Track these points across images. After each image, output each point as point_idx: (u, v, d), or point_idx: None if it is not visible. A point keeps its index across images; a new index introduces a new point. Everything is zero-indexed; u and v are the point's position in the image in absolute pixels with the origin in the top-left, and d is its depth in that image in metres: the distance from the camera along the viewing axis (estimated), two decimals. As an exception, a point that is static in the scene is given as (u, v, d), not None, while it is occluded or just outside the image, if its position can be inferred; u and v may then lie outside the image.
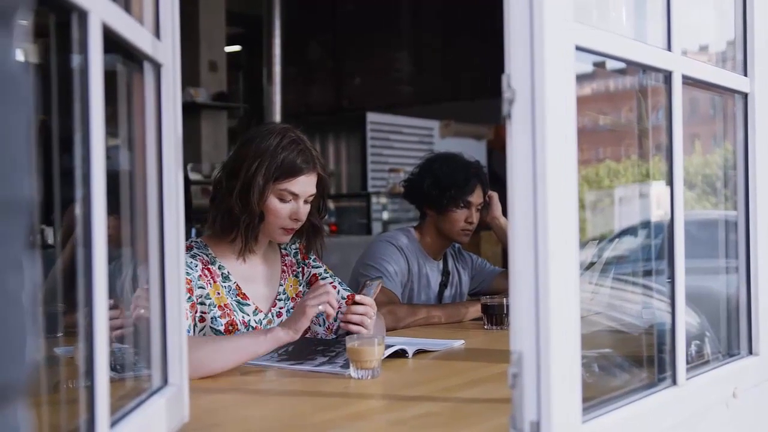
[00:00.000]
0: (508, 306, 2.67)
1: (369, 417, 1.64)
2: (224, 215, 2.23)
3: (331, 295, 2.03)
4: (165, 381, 1.38)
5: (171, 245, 1.39)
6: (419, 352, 2.21)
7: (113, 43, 1.13)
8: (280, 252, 2.43)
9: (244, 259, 2.30)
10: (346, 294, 2.42)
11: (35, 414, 0.90)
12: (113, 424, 1.10)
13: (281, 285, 2.38)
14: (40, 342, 0.69)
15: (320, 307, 2.00)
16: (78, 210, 1.02)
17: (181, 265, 1.42)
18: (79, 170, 1.02)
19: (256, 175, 2.18)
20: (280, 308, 2.36)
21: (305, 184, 2.23)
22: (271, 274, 2.37)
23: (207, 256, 2.25)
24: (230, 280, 2.26)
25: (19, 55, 0.62)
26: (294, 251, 2.46)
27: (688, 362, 1.57)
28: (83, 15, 1.00)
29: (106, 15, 1.06)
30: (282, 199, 2.22)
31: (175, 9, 1.40)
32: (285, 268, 2.41)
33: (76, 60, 1.03)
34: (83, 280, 1.02)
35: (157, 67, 1.36)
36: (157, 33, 1.36)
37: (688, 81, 1.60)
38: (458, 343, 2.38)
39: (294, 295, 2.39)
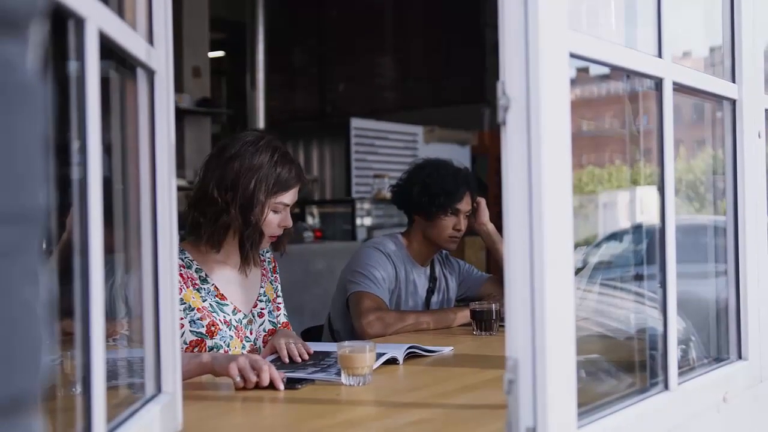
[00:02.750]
0: (497, 312, 2.68)
1: (362, 424, 1.63)
2: (222, 230, 2.28)
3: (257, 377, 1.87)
4: (159, 389, 1.38)
5: (164, 254, 1.38)
6: (411, 357, 2.22)
7: (107, 49, 1.12)
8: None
9: (246, 274, 2.37)
10: (283, 320, 2.49)
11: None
12: (109, 433, 1.10)
13: (262, 287, 2.45)
14: (53, 351, 0.69)
15: (237, 379, 1.85)
16: (74, 217, 1.01)
17: (175, 273, 1.42)
18: (76, 176, 1.01)
19: (257, 192, 2.25)
20: (261, 309, 2.43)
21: (295, 194, 2.35)
22: (251, 277, 2.42)
23: (182, 260, 2.29)
24: (209, 283, 2.31)
25: (33, 65, 0.62)
26: (268, 260, 2.53)
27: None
28: (80, 22, 1.00)
29: (103, 22, 1.05)
30: (275, 211, 2.31)
31: (168, 16, 1.40)
32: (264, 272, 2.49)
33: (72, 66, 1.02)
34: (80, 288, 1.01)
35: (150, 73, 1.35)
36: (150, 40, 1.36)
37: (678, 87, 1.61)
38: (448, 350, 2.39)
39: (272, 299, 2.48)
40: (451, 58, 9.46)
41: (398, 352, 2.18)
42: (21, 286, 0.58)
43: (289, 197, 2.32)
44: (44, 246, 1.30)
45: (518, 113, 1.18)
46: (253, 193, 2.25)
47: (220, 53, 10.28)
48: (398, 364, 2.15)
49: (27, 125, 0.60)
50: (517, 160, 1.19)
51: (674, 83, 1.57)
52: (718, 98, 1.86)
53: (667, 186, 1.55)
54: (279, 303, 2.53)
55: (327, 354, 2.22)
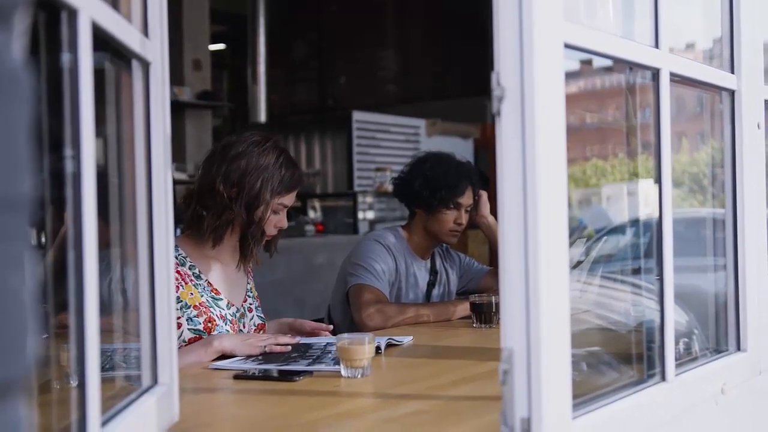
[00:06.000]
0: (496, 304, 2.69)
1: (360, 415, 1.63)
2: (224, 225, 2.31)
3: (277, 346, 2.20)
4: (155, 380, 1.38)
5: (160, 245, 1.39)
6: (410, 350, 2.23)
7: (101, 41, 1.12)
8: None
9: (242, 269, 2.42)
10: (258, 322, 2.50)
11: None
12: (104, 423, 1.10)
13: (249, 283, 2.51)
14: (40, 339, 0.70)
15: (266, 348, 2.16)
16: (68, 210, 1.01)
17: (171, 265, 1.42)
18: (69, 170, 1.01)
19: (263, 192, 2.29)
20: (250, 304, 2.48)
21: (294, 197, 2.40)
22: (239, 273, 2.46)
23: (176, 257, 2.30)
24: (202, 279, 2.34)
25: (19, 54, 0.62)
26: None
27: (676, 359, 1.58)
28: (73, 13, 1.00)
29: (96, 13, 1.05)
30: (275, 212, 2.35)
31: (163, 7, 1.39)
32: (249, 270, 2.53)
33: (65, 58, 1.02)
34: (74, 280, 1.01)
35: (145, 65, 1.35)
36: (145, 31, 1.36)
37: (676, 78, 1.60)
38: (408, 339, 2.42)
39: (255, 296, 2.53)
40: (453, 51, 9.46)
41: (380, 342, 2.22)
42: (6, 273, 0.59)
43: (290, 199, 2.38)
44: (43, 240, 1.30)
45: (512, 104, 1.18)
46: (259, 191, 2.29)
47: (221, 46, 10.28)
48: (381, 353, 2.16)
49: (12, 114, 0.60)
50: (511, 150, 1.18)
51: (672, 74, 1.57)
52: (716, 89, 1.86)
53: (664, 177, 1.55)
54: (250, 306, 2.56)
55: (309, 346, 2.23)
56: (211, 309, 2.30)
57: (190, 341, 2.23)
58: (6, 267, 0.59)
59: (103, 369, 1.14)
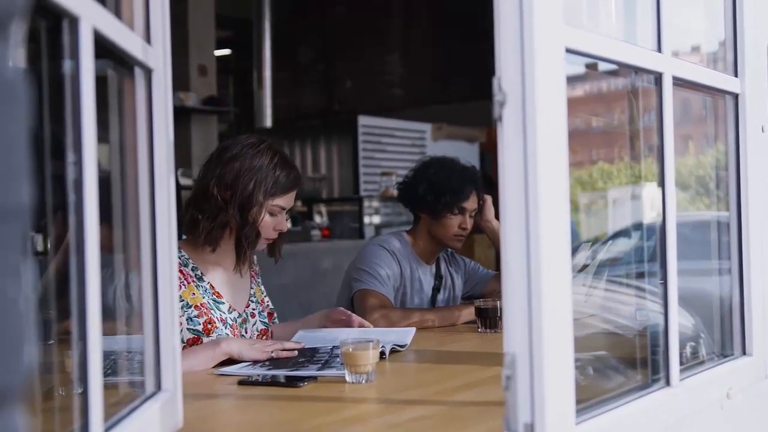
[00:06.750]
0: (501, 309, 2.68)
1: (364, 421, 1.63)
2: (219, 227, 2.30)
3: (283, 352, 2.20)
4: (158, 387, 1.38)
5: (163, 251, 1.39)
6: (411, 355, 2.23)
7: (103, 48, 1.12)
8: None
9: (240, 272, 2.41)
10: (261, 327, 2.50)
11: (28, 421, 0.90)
12: (107, 430, 1.10)
13: (252, 288, 2.49)
14: (37, 347, 0.70)
15: (273, 354, 2.15)
16: (71, 216, 1.02)
17: (174, 271, 1.42)
18: (70, 176, 1.02)
19: (256, 193, 2.28)
20: (253, 309, 2.47)
21: (291, 199, 2.38)
22: (243, 278, 2.46)
23: (179, 258, 2.31)
24: (204, 281, 2.34)
25: (16, 62, 0.62)
26: (254, 263, 2.58)
27: (682, 363, 1.57)
28: (74, 21, 1.00)
29: (97, 20, 1.06)
30: (272, 213, 2.34)
31: (165, 13, 1.40)
32: (253, 274, 2.53)
33: (66, 65, 1.02)
34: (76, 287, 1.01)
35: (148, 72, 1.36)
36: (147, 38, 1.36)
37: (679, 82, 1.60)
38: (411, 332, 2.44)
39: (260, 300, 2.52)
40: (459, 55, 9.44)
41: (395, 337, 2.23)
42: (4, 282, 0.59)
43: (286, 201, 2.36)
44: (48, 246, 1.30)
45: (514, 109, 1.18)
46: (252, 193, 2.28)
47: (226, 51, 10.28)
48: (385, 359, 2.16)
49: (10, 122, 0.60)
50: (513, 155, 1.18)
51: (674, 78, 1.56)
52: (720, 92, 1.85)
53: (668, 181, 1.55)
54: (268, 302, 2.56)
55: (316, 350, 2.23)
56: (212, 311, 2.30)
57: (189, 342, 2.23)
58: (3, 276, 0.59)
59: (105, 374, 1.14)
